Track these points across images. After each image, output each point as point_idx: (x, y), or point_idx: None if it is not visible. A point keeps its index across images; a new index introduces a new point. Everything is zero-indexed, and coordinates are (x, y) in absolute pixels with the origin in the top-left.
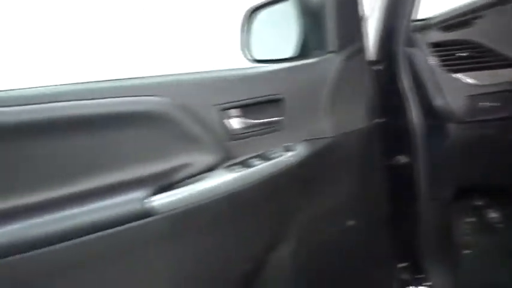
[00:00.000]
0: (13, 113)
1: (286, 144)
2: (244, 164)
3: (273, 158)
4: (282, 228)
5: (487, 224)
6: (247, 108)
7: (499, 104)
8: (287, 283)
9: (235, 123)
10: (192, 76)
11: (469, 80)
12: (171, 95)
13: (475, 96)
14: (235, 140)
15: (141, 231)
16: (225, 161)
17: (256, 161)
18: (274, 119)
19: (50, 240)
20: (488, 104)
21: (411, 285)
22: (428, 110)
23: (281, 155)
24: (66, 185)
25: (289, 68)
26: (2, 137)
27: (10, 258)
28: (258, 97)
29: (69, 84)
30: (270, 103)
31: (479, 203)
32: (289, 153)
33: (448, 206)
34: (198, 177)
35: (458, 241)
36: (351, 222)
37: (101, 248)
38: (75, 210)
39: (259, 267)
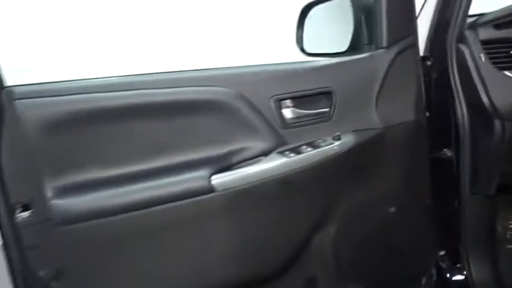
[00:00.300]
0: (102, 99)
1: (335, 134)
2: (295, 150)
3: (322, 146)
4: (327, 211)
5: None
6: (300, 100)
7: None
8: (328, 262)
9: (289, 113)
10: (251, 69)
11: None
12: (232, 86)
13: None
14: (288, 128)
15: (204, 205)
16: (278, 147)
17: (306, 148)
18: (324, 110)
19: (130, 207)
20: None
21: (449, 273)
22: (476, 106)
23: (330, 144)
24: (142, 162)
25: (340, 63)
26: (96, 120)
27: (95, 221)
28: (310, 89)
29: (145, 74)
30: (321, 95)
31: None
32: (337, 142)
33: (490, 200)
34: (254, 160)
35: (499, 235)
36: (393, 210)
37: (170, 217)
38: (150, 183)
39: (304, 245)
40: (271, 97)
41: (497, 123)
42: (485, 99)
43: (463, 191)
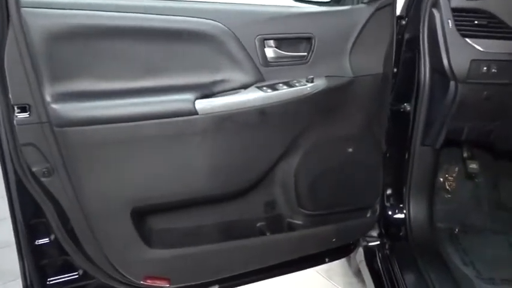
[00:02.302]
0: (104, 18)
1: (309, 77)
2: (272, 87)
3: (296, 86)
4: (294, 143)
5: (468, 174)
6: (281, 41)
7: (500, 71)
8: (288, 188)
9: (270, 52)
10: (240, 7)
11: (478, 47)
12: (222, 21)
13: (481, 61)
14: (268, 66)
15: (187, 125)
16: (257, 82)
17: (282, 86)
18: (303, 54)
19: (120, 119)
20: (490, 69)
21: (390, 211)
22: (437, 67)
23: (303, 85)
24: (134, 80)
25: (322, 12)
26: (95, 36)
27: (87, 127)
28: (292, 33)
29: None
30: (302, 40)
31: (465, 154)
32: (310, 84)
33: (437, 152)
34: (235, 91)
35: (439, 184)
36: (351, 150)
37: (156, 132)
38: (140, 99)
39: (270, 170)
40: (256, 36)
41: (452, 84)
42: (445, 62)
43: (415, 142)
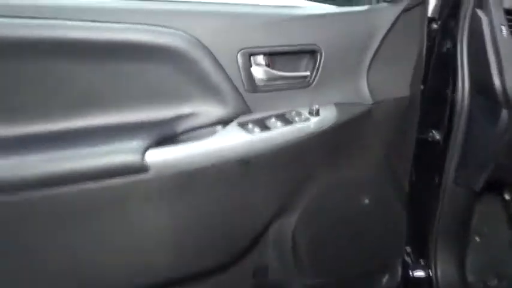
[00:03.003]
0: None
1: (314, 107)
2: (261, 123)
3: (295, 122)
4: (291, 197)
5: (508, 218)
6: (275, 57)
7: None
8: (284, 253)
9: (259, 72)
10: (216, 8)
11: None
12: (189, 29)
13: None
14: (255, 92)
15: (134, 187)
16: (241, 115)
17: (275, 122)
18: (305, 73)
19: (34, 183)
20: None
21: (414, 270)
22: (483, 87)
23: (305, 119)
24: (54, 120)
25: (331, 15)
26: None
27: None
28: (290, 45)
29: None
30: (303, 54)
31: (507, 196)
32: (315, 119)
33: (473, 194)
34: (208, 130)
35: (472, 230)
36: (365, 197)
37: (91, 200)
38: (62, 152)
39: (259, 234)
40: (240, 50)
41: (504, 113)
42: (496, 82)
43: (446, 180)
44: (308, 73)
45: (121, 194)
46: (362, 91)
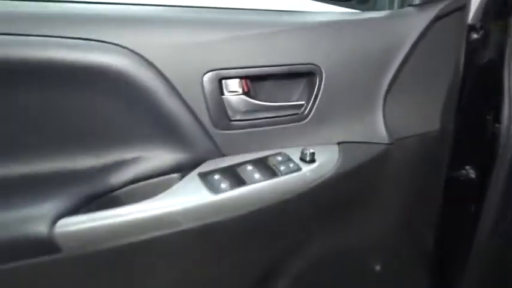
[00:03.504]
0: None
1: (308, 150)
2: (233, 174)
3: (281, 172)
4: (274, 269)
5: None
6: (256, 81)
7: None
8: None
9: (234, 102)
10: (175, 15)
11: None
12: (135, 45)
13: None
14: (229, 128)
15: (47, 270)
16: (205, 160)
17: (252, 172)
18: (297, 102)
19: None
20: None
21: None
22: None
23: (295, 168)
24: None
25: (337, 22)
26: None
27: None
28: (279, 65)
29: None
30: (297, 77)
31: None
32: (309, 167)
33: None
34: (157, 183)
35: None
36: (377, 265)
37: None
38: None
39: None
40: (206, 72)
41: None
42: None
43: (481, 229)
44: (302, 102)
45: (29, 279)
46: (376, 126)
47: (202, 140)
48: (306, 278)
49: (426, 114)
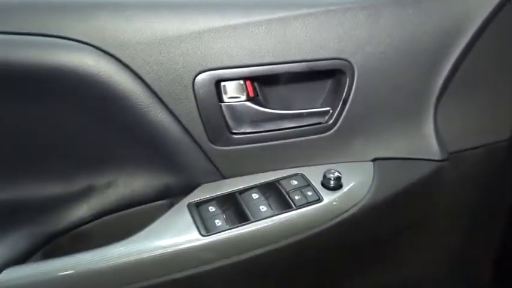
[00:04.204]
0: None
1: (332, 173)
2: (237, 204)
3: (297, 204)
4: None
5: None
6: (268, 83)
7: None
8: None
9: (239, 110)
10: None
11: None
12: (105, 42)
13: None
14: (231, 144)
15: None
16: (200, 184)
17: (259, 202)
18: (321, 109)
19: None
20: None
21: None
22: None
23: (315, 199)
24: None
25: (371, 4)
26: None
27: None
28: (295, 61)
29: None
30: (319, 76)
31: None
32: (333, 195)
33: None
34: (135, 212)
35: None
36: None
37: None
38: None
39: None
40: (198, 73)
41: None
42: None
43: None
44: (327, 108)
45: None
46: (425, 137)
47: (194, 158)
48: None
49: (492, 121)
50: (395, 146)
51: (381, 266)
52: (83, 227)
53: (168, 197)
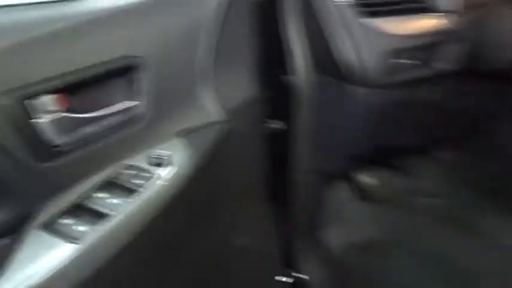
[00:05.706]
0: None
1: (154, 154)
2: (88, 209)
3: (133, 189)
4: None
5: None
6: (77, 90)
7: (420, 61)
8: None
9: (55, 122)
10: None
11: (387, 29)
12: None
13: (394, 50)
14: (56, 156)
15: None
16: (41, 203)
17: (110, 198)
18: (129, 104)
19: None
20: (408, 61)
21: (283, 276)
22: (321, 64)
23: (151, 176)
24: None
25: (139, 4)
26: None
27: None
28: (93, 66)
29: None
30: (119, 74)
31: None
32: (167, 169)
33: (327, 180)
34: None
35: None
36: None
37: None
38: None
39: None
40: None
41: (352, 89)
42: (337, 56)
43: (297, 171)
44: (135, 102)
45: None
46: (207, 106)
47: (23, 182)
48: None
49: (241, 83)
50: (191, 118)
51: (215, 231)
52: None
53: (6, 234)
